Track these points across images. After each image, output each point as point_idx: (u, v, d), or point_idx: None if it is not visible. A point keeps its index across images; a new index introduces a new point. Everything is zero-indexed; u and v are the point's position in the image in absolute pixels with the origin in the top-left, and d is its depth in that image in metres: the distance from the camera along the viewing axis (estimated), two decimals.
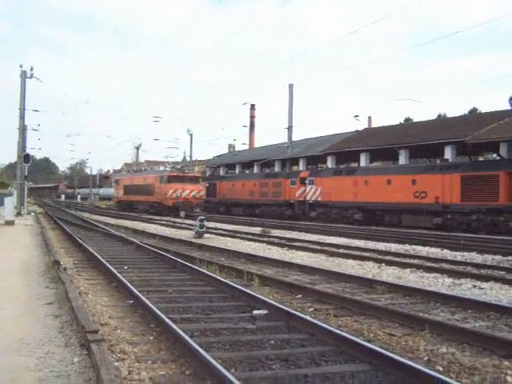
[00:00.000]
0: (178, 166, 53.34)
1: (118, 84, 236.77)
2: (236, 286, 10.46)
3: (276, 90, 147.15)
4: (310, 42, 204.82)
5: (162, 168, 56.58)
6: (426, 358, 6.44)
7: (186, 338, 6.41)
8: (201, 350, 5.86)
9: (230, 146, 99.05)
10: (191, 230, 26.55)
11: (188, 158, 68.06)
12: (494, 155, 42.85)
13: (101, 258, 14.23)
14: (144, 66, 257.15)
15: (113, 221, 36.18)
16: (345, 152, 44.19)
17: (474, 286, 11.81)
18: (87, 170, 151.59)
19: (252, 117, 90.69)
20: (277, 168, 53.75)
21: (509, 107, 37.54)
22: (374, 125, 67.30)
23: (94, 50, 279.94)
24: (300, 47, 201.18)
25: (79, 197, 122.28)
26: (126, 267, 13.81)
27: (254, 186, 49.13)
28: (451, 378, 5.62)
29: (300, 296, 10.37)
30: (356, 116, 52.59)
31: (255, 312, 8.61)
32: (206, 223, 25.49)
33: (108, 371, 5.19)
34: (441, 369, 6.04)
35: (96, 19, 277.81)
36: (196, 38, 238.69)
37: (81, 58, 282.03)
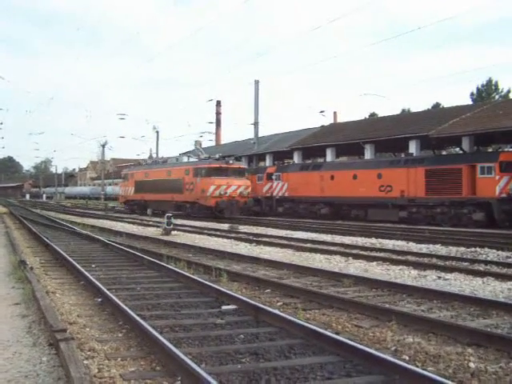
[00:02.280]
0: (217, 156, 40.07)
1: (82, 81, 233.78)
2: (204, 281, 10.49)
3: (242, 87, 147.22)
4: (277, 38, 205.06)
5: (192, 159, 43.52)
6: (393, 348, 6.57)
7: (156, 334, 6.42)
8: (170, 346, 5.88)
9: (197, 143, 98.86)
10: (159, 227, 26.44)
11: (154, 155, 67.42)
12: (457, 149, 43.55)
13: (68, 257, 14.10)
14: (109, 63, 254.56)
15: (79, 219, 35.79)
16: (311, 147, 44.46)
17: (439, 277, 12.03)
18: (52, 169, 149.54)
19: (218, 113, 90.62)
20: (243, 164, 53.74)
21: (470, 102, 38.17)
22: (340, 120, 67.84)
23: (57, 46, 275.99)
24: (266, 43, 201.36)
25: (44, 196, 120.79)
26: (93, 265, 13.71)
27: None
28: (417, 366, 5.74)
29: (268, 290, 10.45)
30: (322, 111, 53.02)
31: (224, 307, 8.66)
32: (174, 220, 25.44)
33: (77, 369, 5.18)
34: (407, 358, 6.17)
35: (59, 16, 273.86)
36: (160, 34, 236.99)
37: (43, 55, 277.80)
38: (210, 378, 4.84)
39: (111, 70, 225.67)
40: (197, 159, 41.53)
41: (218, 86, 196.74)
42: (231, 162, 38.11)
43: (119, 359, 6.07)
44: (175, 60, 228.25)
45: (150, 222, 31.94)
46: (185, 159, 44.15)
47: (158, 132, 67.22)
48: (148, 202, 45.68)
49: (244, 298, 8.82)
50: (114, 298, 8.74)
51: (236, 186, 37.17)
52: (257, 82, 48.54)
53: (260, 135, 53.10)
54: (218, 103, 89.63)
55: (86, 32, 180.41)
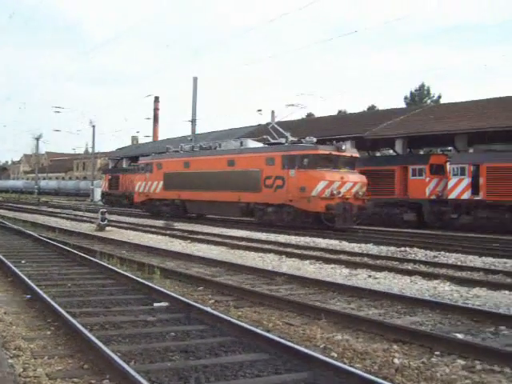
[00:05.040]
0: (314, 138, 27.59)
1: (16, 71, 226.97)
2: (137, 278, 10.42)
3: (181, 83, 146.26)
4: (217, 35, 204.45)
5: (282, 140, 28.84)
6: (322, 346, 6.69)
7: (85, 331, 6.34)
8: (99, 344, 5.82)
9: (134, 138, 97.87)
10: (93, 223, 25.99)
11: (90, 150, 66.31)
12: (391, 151, 44.64)
13: None
14: (44, 53, 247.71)
15: (11, 214, 34.79)
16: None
17: (369, 276, 12.30)
18: None
19: (156, 109, 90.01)
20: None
21: (404, 105, 39.18)
22: (278, 119, 68.27)
23: None
24: (206, 39, 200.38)
25: None
26: (23, 261, 13.38)
27: None
28: (344, 363, 5.86)
29: (201, 288, 10.45)
30: (259, 110, 53.16)
31: (156, 304, 8.62)
32: (108, 216, 25.08)
33: (1, 368, 5.07)
34: (335, 355, 6.29)
35: None
36: (98, 26, 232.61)
37: None
38: (138, 376, 4.82)
39: (47, 61, 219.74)
40: (283, 143, 28.51)
41: (156, 81, 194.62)
42: (344, 147, 26.66)
43: (46, 358, 5.95)
44: (114, 53, 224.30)
45: (84, 218, 31.37)
46: (252, 144, 31.02)
47: (94, 126, 66.00)
48: (189, 203, 33.50)
49: (176, 296, 8.81)
50: (43, 294, 8.58)
51: (352, 184, 26.03)
52: (195, 79, 48.27)
53: (198, 132, 52.97)
54: (156, 99, 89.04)
55: (20, 20, 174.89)
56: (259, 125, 51.47)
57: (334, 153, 26.08)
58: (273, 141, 29.96)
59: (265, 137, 31.03)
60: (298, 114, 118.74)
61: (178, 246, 18.40)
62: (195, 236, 21.53)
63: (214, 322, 7.35)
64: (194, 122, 48.32)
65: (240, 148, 30.58)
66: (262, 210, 28.03)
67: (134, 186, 40.00)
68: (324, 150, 26.07)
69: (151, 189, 36.29)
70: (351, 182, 25.92)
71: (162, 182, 35.22)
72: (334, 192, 25.05)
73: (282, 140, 28.70)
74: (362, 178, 26.82)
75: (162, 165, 35.67)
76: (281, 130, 30.06)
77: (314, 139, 27.47)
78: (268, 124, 33.96)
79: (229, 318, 7.30)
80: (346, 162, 26.54)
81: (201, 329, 7.22)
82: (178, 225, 27.56)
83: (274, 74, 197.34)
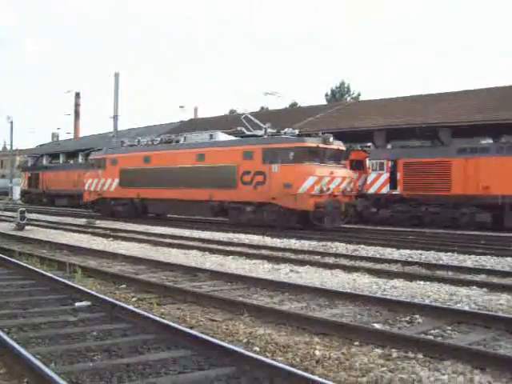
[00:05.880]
0: (296, 131, 26.42)
1: None
2: (58, 278, 10.19)
3: (104, 79, 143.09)
4: (140, 29, 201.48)
5: (258, 132, 26.90)
6: (245, 341, 6.76)
7: (1, 334, 6.16)
8: (17, 346, 5.67)
9: (54, 135, 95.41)
10: (12, 222, 25.21)
11: (8, 147, 64.17)
12: None
13: None
14: None
15: None
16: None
17: (292, 271, 12.49)
18: None
19: (77, 105, 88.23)
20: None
21: (325, 102, 39.93)
22: (201, 115, 68.35)
23: None
24: (129, 34, 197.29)
25: None
26: None
27: (79, 177, 47.61)
28: (267, 356, 5.96)
29: (124, 286, 10.34)
30: (182, 106, 52.92)
31: (77, 304, 8.47)
32: (28, 215, 24.38)
33: None
34: (258, 349, 6.37)
35: None
36: (18, 15, 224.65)
37: None
38: (57, 378, 4.73)
39: None
40: (262, 135, 26.32)
41: (78, 77, 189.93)
42: (331, 139, 24.60)
43: None
44: (32, 46, 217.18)
45: (2, 217, 30.37)
46: (223, 137, 28.55)
47: (11, 122, 63.92)
48: (150, 203, 30.77)
49: (98, 294, 8.69)
50: None
51: (340, 179, 24.16)
52: (117, 75, 47.52)
53: (121, 129, 52.28)
54: (78, 95, 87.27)
55: None
56: (181, 121, 51.31)
57: (321, 145, 24.08)
58: (248, 133, 27.93)
59: (239, 128, 28.64)
60: (221, 110, 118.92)
61: (100, 244, 18.10)
62: (118, 234, 21.25)
63: (136, 320, 7.29)
64: (115, 117, 47.57)
65: (211, 141, 28.14)
66: (237, 210, 25.68)
67: (55, 184, 38.21)
68: (311, 143, 24.00)
69: (104, 187, 33.15)
70: (339, 177, 24.12)
71: (117, 180, 32.22)
72: (324, 188, 23.18)
73: (259, 132, 26.77)
74: (350, 173, 25.41)
75: (118, 160, 32.54)
76: (256, 121, 28.11)
77: (296, 131, 26.04)
78: (241, 115, 31.82)
79: (151, 316, 7.27)
80: (333, 155, 24.67)
81: (123, 327, 7.15)
82: (101, 223, 27.12)
83: (199, 69, 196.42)
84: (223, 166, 26.19)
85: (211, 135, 28.43)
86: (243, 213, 25.37)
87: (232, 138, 28.71)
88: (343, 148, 25.49)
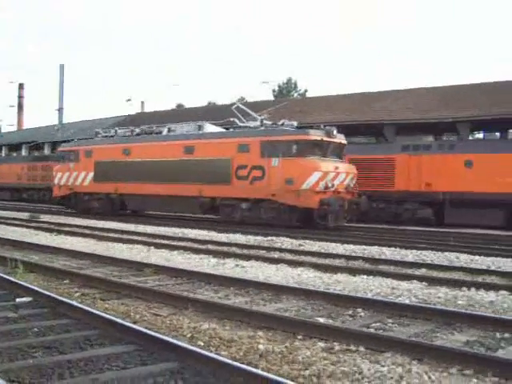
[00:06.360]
0: (294, 123, 25.18)
1: None
2: None
3: (51, 71, 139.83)
4: (83, 21, 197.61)
5: (251, 124, 25.86)
6: (189, 335, 6.76)
7: None
8: None
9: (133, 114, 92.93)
10: None
11: None
12: None
13: None
14: None
15: None
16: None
17: (237, 265, 12.53)
18: None
19: (21, 96, 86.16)
20: (46, 151, 51.98)
21: (272, 98, 40.14)
22: (147, 109, 67.78)
23: None
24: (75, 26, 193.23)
25: None
26: None
27: (22, 170, 46.60)
28: (211, 351, 5.98)
29: (67, 281, 10.19)
30: (128, 100, 52.41)
31: (18, 300, 8.30)
32: None
33: None
34: (202, 343, 6.38)
35: None
36: None
37: None
38: None
39: None
40: (258, 126, 24.86)
41: (22, 67, 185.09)
42: (334, 132, 23.17)
43: None
44: None
45: None
46: (212, 128, 27.08)
47: None
48: (130, 198, 28.56)
49: (40, 290, 8.53)
50: None
51: (344, 174, 22.95)
52: (62, 67, 46.77)
53: (66, 121, 51.50)
54: (21, 86, 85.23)
55: None
56: (128, 115, 50.76)
57: (325, 139, 22.61)
58: (241, 124, 26.16)
59: (231, 119, 26.64)
60: (168, 104, 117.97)
61: (43, 238, 17.74)
62: (62, 228, 20.89)
63: (79, 315, 7.20)
64: (60, 110, 46.76)
65: (200, 133, 26.29)
66: (231, 206, 24.06)
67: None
68: (316, 136, 22.47)
69: (77, 181, 30.67)
70: (344, 172, 22.86)
71: (92, 173, 29.83)
72: (329, 184, 21.85)
73: (252, 123, 25.52)
74: (353, 169, 23.79)
75: (93, 152, 30.08)
76: (250, 111, 26.90)
77: (294, 123, 24.68)
78: (232, 105, 30.13)
79: (95, 311, 7.19)
80: (335, 149, 23.32)
81: (66, 323, 7.05)
82: (45, 217, 26.60)
83: (146, 63, 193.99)
84: (215, 159, 24.38)
85: (199, 126, 26.90)
86: (237, 210, 23.84)
87: (222, 129, 27.05)
88: (345, 142, 24.09)
